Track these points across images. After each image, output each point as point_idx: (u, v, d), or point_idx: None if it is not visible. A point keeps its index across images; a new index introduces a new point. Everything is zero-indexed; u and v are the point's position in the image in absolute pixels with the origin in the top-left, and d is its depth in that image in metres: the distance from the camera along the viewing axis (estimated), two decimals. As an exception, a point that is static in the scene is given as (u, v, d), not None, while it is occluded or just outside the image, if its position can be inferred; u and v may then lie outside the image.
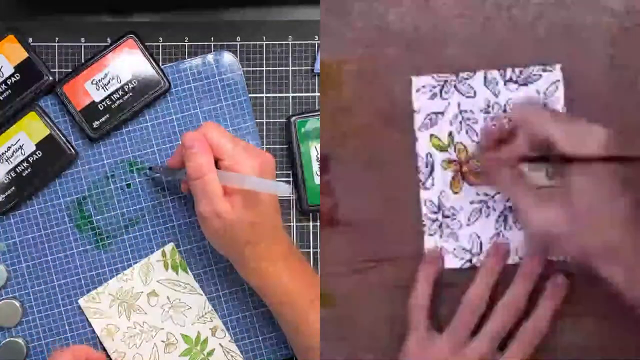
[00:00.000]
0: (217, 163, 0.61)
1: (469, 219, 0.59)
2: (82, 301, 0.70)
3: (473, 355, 0.56)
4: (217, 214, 0.60)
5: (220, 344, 0.71)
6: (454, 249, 0.59)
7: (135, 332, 0.70)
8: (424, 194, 0.59)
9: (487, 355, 0.56)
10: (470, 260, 0.59)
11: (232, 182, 0.60)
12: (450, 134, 0.59)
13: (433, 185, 0.59)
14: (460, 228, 0.59)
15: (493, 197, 0.58)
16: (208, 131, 0.61)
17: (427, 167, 0.59)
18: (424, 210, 0.59)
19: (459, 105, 0.59)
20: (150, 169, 0.70)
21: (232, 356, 0.71)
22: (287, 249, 0.65)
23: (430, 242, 0.59)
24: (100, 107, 0.69)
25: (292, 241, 0.66)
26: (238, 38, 0.72)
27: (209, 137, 0.61)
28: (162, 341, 0.70)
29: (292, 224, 0.72)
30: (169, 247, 0.71)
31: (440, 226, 0.59)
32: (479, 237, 0.59)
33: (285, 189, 0.59)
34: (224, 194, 0.60)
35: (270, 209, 0.63)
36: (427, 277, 0.58)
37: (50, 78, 0.69)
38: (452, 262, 0.59)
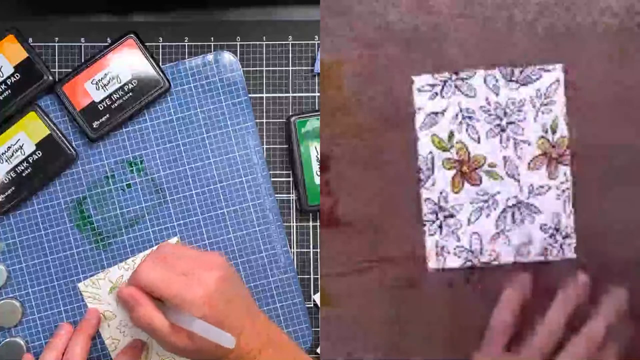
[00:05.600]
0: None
1: (469, 219, 0.59)
2: (81, 285, 0.70)
3: None
4: (174, 348, 0.60)
5: None
6: (455, 249, 0.59)
7: None
8: (424, 194, 0.59)
9: None
10: (470, 260, 0.59)
11: (181, 323, 0.59)
12: (450, 133, 0.59)
13: (433, 184, 0.59)
14: (461, 227, 0.59)
15: (494, 196, 0.58)
16: (139, 276, 0.60)
17: (427, 166, 0.59)
18: (425, 209, 0.59)
19: (459, 104, 0.59)
20: None
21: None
22: (262, 338, 0.62)
23: (430, 242, 0.59)
24: (100, 107, 0.69)
25: (269, 322, 0.64)
26: (238, 38, 0.72)
27: (141, 284, 0.60)
28: None
29: (292, 224, 0.72)
30: (173, 241, 0.71)
31: (440, 226, 0.59)
32: (479, 236, 0.59)
33: (229, 341, 0.57)
34: (177, 329, 0.59)
35: (238, 310, 0.61)
36: (511, 300, 0.57)
37: (50, 78, 0.69)
38: (452, 262, 0.59)
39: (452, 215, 0.59)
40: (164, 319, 0.60)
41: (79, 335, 0.67)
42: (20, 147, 0.68)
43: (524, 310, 0.56)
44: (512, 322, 0.56)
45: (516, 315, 0.56)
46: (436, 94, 0.59)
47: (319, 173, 0.70)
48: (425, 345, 0.60)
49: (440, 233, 0.59)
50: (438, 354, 0.60)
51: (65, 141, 0.69)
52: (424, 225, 0.59)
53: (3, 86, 0.68)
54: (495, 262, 0.59)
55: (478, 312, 0.59)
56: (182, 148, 0.71)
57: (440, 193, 0.59)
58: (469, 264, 0.59)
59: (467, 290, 0.59)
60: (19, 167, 0.68)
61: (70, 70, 0.70)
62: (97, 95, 0.69)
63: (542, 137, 0.58)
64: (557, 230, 0.58)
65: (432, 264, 0.59)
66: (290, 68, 0.72)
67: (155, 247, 0.70)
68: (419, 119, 0.59)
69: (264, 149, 0.72)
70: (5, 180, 0.68)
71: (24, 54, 0.69)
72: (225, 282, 0.60)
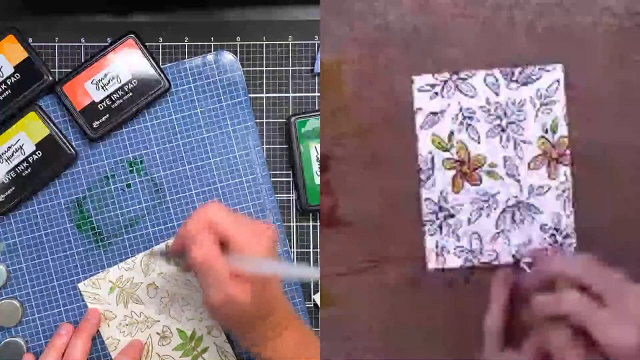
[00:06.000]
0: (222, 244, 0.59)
1: (469, 219, 0.59)
2: (81, 285, 0.70)
3: None
4: (229, 300, 0.57)
5: (214, 343, 0.71)
6: (455, 249, 0.59)
7: (131, 321, 0.70)
8: (424, 194, 0.59)
9: None
10: (471, 260, 0.59)
11: (247, 266, 0.57)
12: (451, 133, 0.59)
13: (434, 184, 0.59)
14: (461, 227, 0.59)
15: (494, 196, 0.58)
16: (210, 214, 0.58)
17: (427, 166, 0.59)
18: (425, 209, 0.59)
19: (459, 104, 0.59)
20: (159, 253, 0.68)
21: (225, 356, 0.71)
22: (290, 316, 0.63)
23: (430, 242, 0.59)
24: (100, 107, 0.69)
25: (291, 307, 0.64)
26: (238, 38, 0.72)
27: (211, 221, 0.58)
28: (157, 333, 0.70)
29: (292, 224, 0.72)
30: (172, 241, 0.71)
31: (440, 226, 0.59)
32: (479, 236, 0.59)
33: (313, 271, 0.56)
34: (232, 277, 0.57)
35: (273, 280, 0.60)
36: (498, 297, 0.57)
37: (50, 78, 0.69)
38: (452, 262, 0.59)
39: (452, 215, 0.59)
40: (226, 262, 0.56)
41: (79, 335, 0.67)
42: (20, 147, 0.68)
43: (522, 305, 0.56)
44: (504, 320, 0.56)
45: (507, 312, 0.56)
46: (436, 93, 0.59)
47: (319, 173, 0.70)
48: (425, 346, 0.60)
49: (440, 233, 0.59)
50: (438, 354, 0.60)
51: (65, 141, 0.69)
52: (424, 225, 0.59)
53: (3, 86, 0.68)
54: (495, 262, 0.59)
55: (478, 312, 0.59)
56: (182, 148, 0.71)
57: (440, 193, 0.59)
58: (469, 264, 0.59)
59: (467, 290, 0.59)
60: (19, 167, 0.68)
61: (70, 70, 0.70)
62: (97, 95, 0.69)
63: (542, 137, 0.58)
64: (557, 230, 0.58)
65: (432, 264, 0.59)
66: (290, 68, 0.72)
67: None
68: (419, 118, 0.59)
69: (264, 149, 0.72)
70: (5, 180, 0.68)
71: (24, 54, 0.69)
72: (276, 248, 0.60)
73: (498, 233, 0.59)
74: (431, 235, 0.59)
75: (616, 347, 0.48)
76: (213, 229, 0.58)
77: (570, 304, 0.50)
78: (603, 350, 0.49)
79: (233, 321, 0.60)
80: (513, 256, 0.59)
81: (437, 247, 0.59)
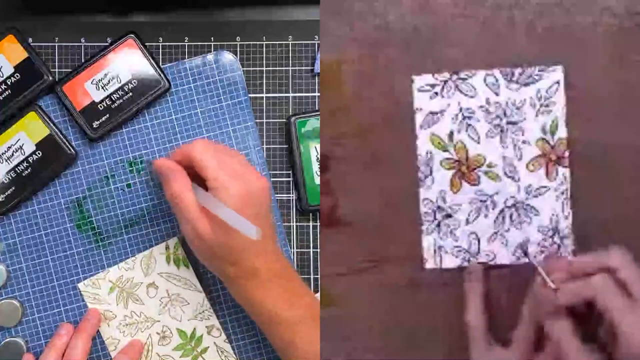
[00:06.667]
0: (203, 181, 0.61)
1: (467, 219, 0.59)
2: (81, 285, 0.70)
3: None
4: (198, 235, 0.60)
5: (214, 343, 0.71)
6: (452, 248, 0.59)
7: (131, 321, 0.70)
8: (423, 193, 0.59)
9: None
10: (468, 260, 0.59)
11: (209, 206, 0.59)
12: (450, 133, 0.59)
13: (432, 184, 0.59)
14: (459, 227, 0.59)
15: (492, 196, 0.58)
16: (194, 149, 0.61)
17: (426, 165, 0.59)
18: (423, 209, 0.59)
19: (459, 104, 0.59)
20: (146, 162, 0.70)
21: (225, 356, 0.71)
22: (277, 267, 0.63)
23: (427, 241, 0.59)
24: (100, 107, 0.69)
25: (285, 257, 0.64)
26: (238, 38, 0.72)
27: (193, 155, 0.61)
28: (157, 333, 0.71)
29: (292, 224, 0.72)
30: (172, 241, 0.71)
31: (438, 225, 0.59)
32: (477, 236, 0.59)
33: (253, 232, 0.56)
34: (204, 215, 0.59)
35: (265, 229, 0.60)
36: (474, 293, 0.58)
37: (50, 78, 0.69)
38: (450, 262, 0.59)
39: (450, 215, 0.59)
40: (195, 200, 0.60)
41: (79, 335, 0.67)
42: (20, 147, 0.68)
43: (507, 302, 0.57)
44: (486, 317, 0.57)
45: (485, 309, 0.57)
46: (436, 93, 0.59)
47: (319, 173, 0.70)
48: (425, 346, 0.60)
49: (438, 233, 0.59)
50: (438, 354, 0.60)
51: (65, 141, 0.69)
52: (422, 224, 0.59)
53: (3, 86, 0.68)
54: (493, 263, 0.59)
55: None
56: (182, 148, 0.71)
57: (439, 193, 0.59)
58: (466, 264, 0.59)
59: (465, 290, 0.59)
60: (19, 167, 0.68)
61: (70, 70, 0.70)
62: (97, 95, 0.69)
63: (542, 138, 0.58)
64: (555, 231, 0.58)
65: (430, 264, 0.59)
66: (290, 68, 0.72)
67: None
68: (419, 118, 0.59)
69: (264, 149, 0.72)
70: (5, 180, 0.68)
71: (24, 54, 0.69)
72: (265, 198, 0.62)
73: (496, 233, 0.58)
74: (429, 234, 0.59)
75: (631, 338, 0.49)
76: (195, 165, 0.61)
77: (600, 287, 0.51)
78: (617, 339, 0.49)
79: (208, 261, 0.62)
80: (523, 251, 0.58)
81: (434, 246, 0.59)
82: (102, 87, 0.69)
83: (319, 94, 0.72)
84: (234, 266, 0.61)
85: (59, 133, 0.69)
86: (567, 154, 0.58)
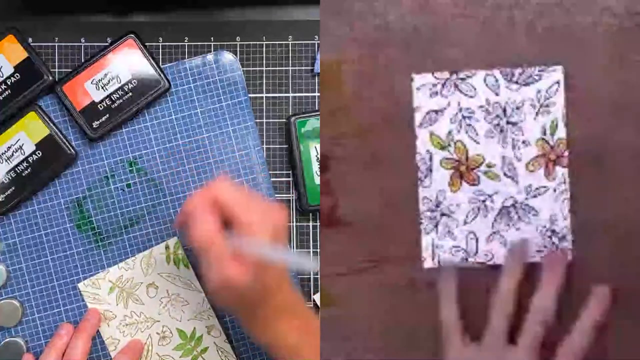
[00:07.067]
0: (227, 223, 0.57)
1: (466, 218, 0.59)
2: (81, 285, 0.70)
3: None
4: (227, 281, 0.55)
5: (214, 343, 0.71)
6: (451, 247, 0.59)
7: (131, 321, 0.70)
8: (422, 192, 0.59)
9: None
10: (466, 259, 0.59)
11: (247, 249, 0.55)
12: (449, 132, 0.59)
13: (431, 183, 0.59)
14: (457, 226, 0.59)
15: (491, 196, 0.58)
16: (217, 191, 0.57)
17: (426, 165, 0.59)
18: (422, 208, 0.59)
19: (459, 104, 0.59)
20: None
21: (225, 356, 0.71)
22: (295, 303, 0.62)
23: (426, 241, 0.59)
24: (100, 107, 0.69)
25: (298, 292, 0.63)
26: (238, 38, 0.72)
27: (219, 197, 0.56)
28: (157, 333, 0.71)
29: (292, 224, 0.72)
30: (172, 241, 0.71)
31: (436, 224, 0.59)
32: (475, 235, 0.59)
33: (312, 264, 0.54)
34: (234, 259, 0.55)
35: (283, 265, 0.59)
36: (448, 292, 0.58)
37: (50, 78, 0.69)
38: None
39: (448, 215, 0.59)
40: (226, 242, 0.55)
41: (79, 335, 0.67)
42: (20, 147, 0.68)
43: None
44: (461, 313, 0.57)
45: (461, 307, 0.57)
46: (436, 92, 0.59)
47: (319, 173, 0.70)
48: (425, 345, 0.60)
49: (437, 232, 0.59)
50: (438, 354, 0.60)
51: (65, 141, 0.69)
52: (420, 223, 0.59)
53: (3, 86, 0.68)
54: (491, 262, 0.59)
55: (478, 312, 0.59)
56: (182, 148, 0.71)
57: (438, 192, 0.59)
58: (465, 264, 0.59)
59: (467, 290, 0.59)
60: (19, 167, 0.68)
61: (70, 70, 0.70)
62: (97, 95, 0.69)
63: (541, 138, 0.58)
64: (553, 231, 0.58)
65: (428, 263, 0.59)
66: (290, 68, 0.72)
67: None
68: (418, 117, 0.59)
69: (264, 149, 0.72)
70: (5, 180, 0.68)
71: (24, 54, 0.69)
72: (286, 227, 0.58)
73: (494, 233, 0.58)
74: (427, 234, 0.59)
75: None
76: (218, 207, 0.56)
77: None
78: None
79: (232, 304, 0.59)
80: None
81: (432, 246, 0.59)
82: (102, 87, 0.69)
83: (319, 94, 0.72)
84: (262, 306, 0.58)
85: (59, 133, 0.69)
86: (566, 154, 0.58)
